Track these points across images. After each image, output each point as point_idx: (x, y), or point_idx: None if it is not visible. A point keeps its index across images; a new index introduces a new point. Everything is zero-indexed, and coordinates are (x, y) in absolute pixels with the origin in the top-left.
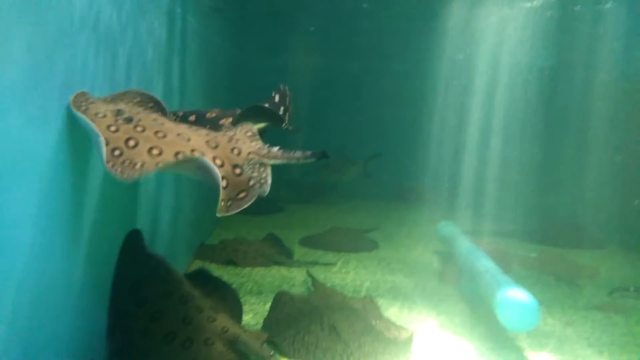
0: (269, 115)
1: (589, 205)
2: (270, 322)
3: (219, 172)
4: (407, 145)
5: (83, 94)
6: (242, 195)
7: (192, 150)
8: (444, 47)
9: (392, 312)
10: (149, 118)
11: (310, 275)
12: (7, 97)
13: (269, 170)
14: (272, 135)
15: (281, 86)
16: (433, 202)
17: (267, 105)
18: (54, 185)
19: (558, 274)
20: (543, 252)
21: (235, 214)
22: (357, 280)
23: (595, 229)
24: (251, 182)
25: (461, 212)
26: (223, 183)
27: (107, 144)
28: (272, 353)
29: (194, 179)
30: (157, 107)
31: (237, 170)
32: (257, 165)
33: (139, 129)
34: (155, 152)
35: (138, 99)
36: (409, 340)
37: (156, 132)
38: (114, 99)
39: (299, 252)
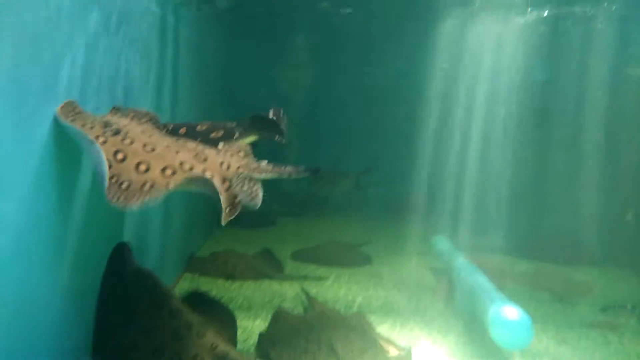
0: (272, 126)
1: (584, 221)
2: (267, 341)
3: (216, 185)
4: (401, 157)
5: (70, 103)
6: (227, 210)
7: (181, 164)
8: (437, 62)
9: (384, 328)
10: (137, 130)
11: (305, 292)
12: None
13: (259, 184)
14: (266, 147)
15: (274, 110)
16: (427, 216)
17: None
18: (38, 195)
19: (552, 291)
20: (537, 268)
21: (226, 226)
22: (349, 295)
23: (591, 245)
24: (237, 199)
25: (455, 227)
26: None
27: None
28: None
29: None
30: (151, 120)
31: (226, 185)
32: (247, 180)
33: (127, 141)
34: (142, 167)
35: (132, 114)
36: (407, 358)
37: (144, 145)
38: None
39: (290, 265)
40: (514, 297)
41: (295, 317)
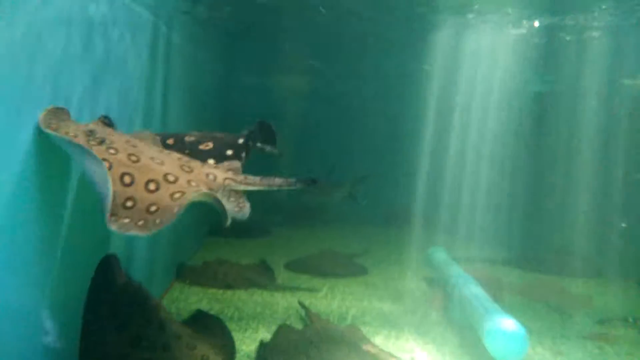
0: (272, 136)
1: (581, 232)
2: (265, 357)
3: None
4: (397, 167)
5: (53, 110)
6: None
7: (166, 175)
8: (434, 72)
9: (379, 340)
10: (122, 139)
11: (303, 306)
12: None
13: (245, 196)
14: (260, 157)
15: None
16: (423, 226)
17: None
18: (21, 203)
19: (549, 302)
20: (534, 280)
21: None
22: (342, 306)
23: (588, 256)
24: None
25: (452, 238)
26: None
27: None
28: None
29: None
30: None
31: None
32: (233, 192)
33: (111, 151)
34: (127, 179)
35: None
36: None
37: (129, 155)
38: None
39: (284, 275)
40: (509, 308)
41: (296, 333)
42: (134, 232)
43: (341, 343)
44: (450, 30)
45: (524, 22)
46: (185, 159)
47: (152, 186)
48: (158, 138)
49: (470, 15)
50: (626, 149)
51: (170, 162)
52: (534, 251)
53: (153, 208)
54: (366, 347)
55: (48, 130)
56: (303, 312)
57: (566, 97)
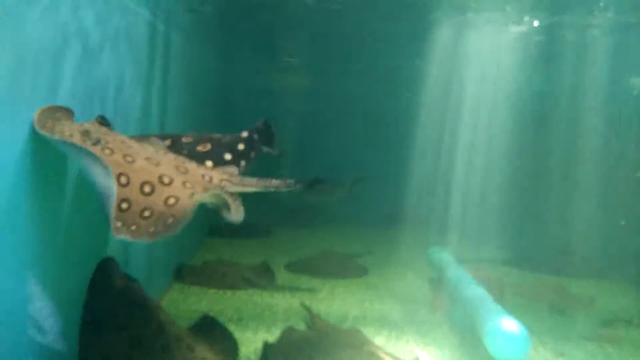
0: (271, 136)
1: (583, 232)
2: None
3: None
4: (397, 166)
5: (49, 109)
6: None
7: (161, 176)
8: (432, 71)
9: (379, 341)
10: (117, 140)
11: (306, 308)
12: None
13: (240, 199)
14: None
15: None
16: (424, 226)
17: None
18: (17, 202)
19: (552, 303)
20: (536, 280)
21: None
22: (343, 308)
23: (590, 257)
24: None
25: (453, 238)
26: None
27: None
28: None
29: None
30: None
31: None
32: (229, 194)
33: (107, 151)
34: (123, 180)
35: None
36: None
37: (125, 156)
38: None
39: (284, 276)
40: (511, 309)
41: (300, 335)
42: (125, 237)
43: (344, 345)
44: (450, 29)
45: (525, 19)
46: (182, 159)
47: (147, 188)
48: (162, 144)
49: (469, 14)
50: (629, 148)
51: (166, 163)
52: (535, 251)
53: (147, 213)
54: (369, 350)
55: (43, 131)
56: (306, 314)
57: (567, 96)
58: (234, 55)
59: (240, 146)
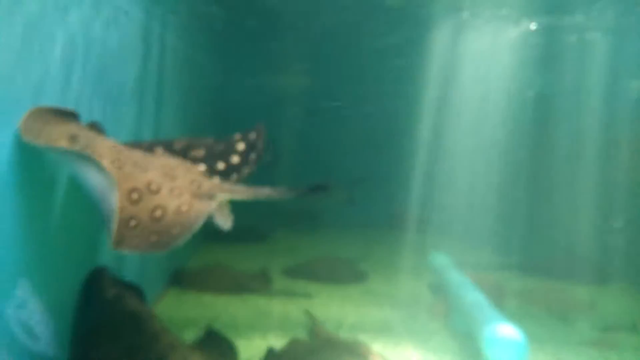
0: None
1: (584, 237)
2: None
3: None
4: (398, 170)
5: (36, 112)
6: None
7: (149, 183)
8: (430, 73)
9: (376, 348)
10: (105, 145)
11: (311, 316)
12: None
13: (229, 206)
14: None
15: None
16: (424, 231)
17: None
18: (6, 207)
19: (551, 308)
20: (536, 285)
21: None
22: (340, 313)
23: (591, 261)
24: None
25: (453, 242)
26: None
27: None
28: None
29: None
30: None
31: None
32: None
33: (94, 157)
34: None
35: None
36: None
37: (112, 162)
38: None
39: (281, 281)
40: (510, 314)
41: (303, 345)
42: (110, 244)
43: (347, 354)
44: (448, 30)
45: (524, 21)
46: (172, 165)
47: (135, 196)
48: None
49: (465, 14)
50: (629, 151)
51: (155, 169)
52: (535, 256)
53: (132, 223)
54: (372, 358)
55: (27, 137)
56: (303, 320)
57: (567, 98)
58: (231, 57)
59: (235, 160)
